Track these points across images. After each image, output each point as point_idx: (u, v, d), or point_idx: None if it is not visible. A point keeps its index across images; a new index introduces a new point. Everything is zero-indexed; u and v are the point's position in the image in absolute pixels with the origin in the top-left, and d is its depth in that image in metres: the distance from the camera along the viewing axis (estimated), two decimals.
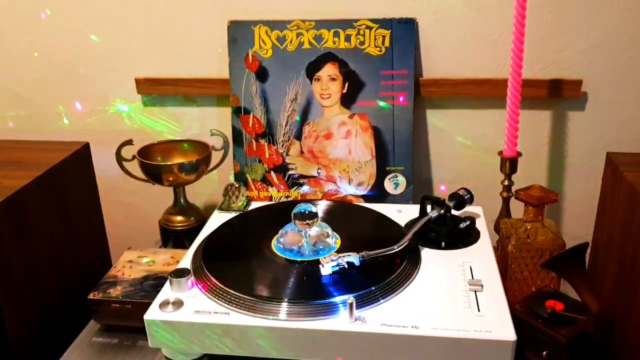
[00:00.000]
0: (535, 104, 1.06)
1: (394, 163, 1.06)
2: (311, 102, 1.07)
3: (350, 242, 0.80)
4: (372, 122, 1.06)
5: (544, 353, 0.75)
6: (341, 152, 1.07)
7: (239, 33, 1.06)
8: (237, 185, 0.97)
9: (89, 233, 1.07)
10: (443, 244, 0.82)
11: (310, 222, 0.78)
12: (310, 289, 0.72)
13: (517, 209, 0.96)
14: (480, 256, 0.80)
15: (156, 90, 1.14)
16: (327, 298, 0.69)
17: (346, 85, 1.05)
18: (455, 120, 1.10)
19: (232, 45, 1.07)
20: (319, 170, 1.09)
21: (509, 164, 1.00)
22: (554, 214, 1.14)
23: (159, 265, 0.93)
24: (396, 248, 0.76)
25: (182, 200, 1.11)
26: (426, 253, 0.80)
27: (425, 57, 1.06)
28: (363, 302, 0.68)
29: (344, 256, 0.73)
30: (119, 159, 1.06)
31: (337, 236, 0.81)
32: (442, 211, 0.84)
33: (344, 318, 0.67)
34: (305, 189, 1.09)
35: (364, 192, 1.08)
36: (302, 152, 1.09)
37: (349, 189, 1.08)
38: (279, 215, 0.84)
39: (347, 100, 1.06)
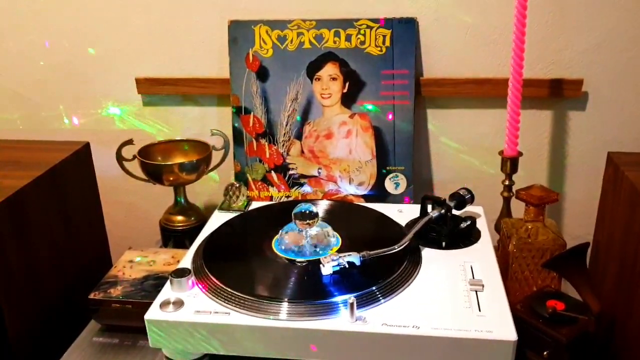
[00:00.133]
0: (536, 104, 1.06)
1: (395, 163, 1.06)
2: (312, 101, 1.07)
3: (351, 242, 0.80)
4: (373, 121, 1.06)
5: (545, 353, 0.75)
6: (342, 152, 1.07)
7: (240, 33, 1.06)
8: (237, 185, 0.97)
9: (90, 233, 1.07)
10: (444, 243, 0.82)
11: (310, 222, 0.78)
12: (311, 289, 0.72)
13: (518, 208, 0.96)
14: (481, 256, 0.80)
15: (156, 90, 1.14)
16: (328, 298, 0.69)
17: (347, 85, 1.05)
18: (456, 120, 1.10)
19: (233, 45, 1.07)
20: (319, 170, 1.09)
21: (510, 164, 0.99)
22: (555, 213, 1.14)
23: (159, 265, 0.93)
24: (397, 248, 0.76)
25: (182, 200, 1.10)
26: (427, 253, 0.80)
27: (425, 57, 1.06)
28: (364, 302, 0.68)
29: (344, 256, 0.73)
30: (120, 158, 1.06)
31: (338, 236, 0.81)
32: (443, 211, 0.83)
33: (345, 318, 0.67)
34: (306, 188, 1.09)
35: (365, 192, 1.08)
36: (302, 151, 1.08)
37: (350, 189, 1.08)
38: (280, 215, 0.84)
39: (347, 100, 1.06)
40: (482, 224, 0.88)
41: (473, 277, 0.74)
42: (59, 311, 0.95)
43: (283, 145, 1.09)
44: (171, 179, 1.05)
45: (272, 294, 0.70)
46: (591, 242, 1.04)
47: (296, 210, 0.78)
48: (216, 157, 1.10)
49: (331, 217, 0.87)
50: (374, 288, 0.70)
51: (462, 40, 1.04)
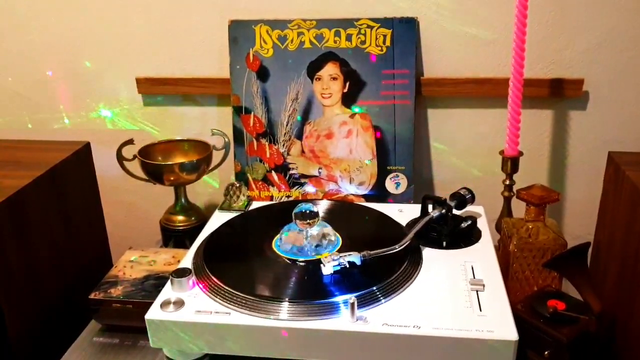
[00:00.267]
0: (537, 104, 1.06)
1: (395, 162, 1.06)
2: (312, 101, 1.06)
3: (352, 242, 0.80)
4: (373, 121, 1.06)
5: (546, 353, 0.74)
6: (342, 152, 1.07)
7: (240, 32, 1.06)
8: (238, 185, 0.97)
9: (90, 233, 1.07)
10: (444, 243, 0.82)
11: (311, 221, 0.78)
12: (311, 289, 0.72)
13: (519, 208, 0.96)
14: (482, 256, 0.80)
15: (157, 90, 1.14)
16: (329, 298, 0.69)
17: (347, 84, 1.05)
18: (457, 120, 1.10)
19: (233, 45, 1.06)
20: (320, 170, 1.09)
21: (511, 164, 0.99)
22: (556, 213, 1.13)
23: (160, 265, 0.93)
24: (397, 248, 0.76)
25: (183, 200, 1.10)
26: (427, 253, 0.80)
27: (426, 57, 1.06)
28: (364, 301, 0.68)
29: (345, 256, 0.73)
30: (120, 158, 1.06)
31: (338, 236, 0.81)
32: (444, 211, 0.83)
33: (346, 318, 0.66)
34: (307, 188, 1.09)
35: (365, 192, 1.08)
36: (303, 151, 1.08)
37: (350, 189, 1.08)
38: (280, 215, 0.84)
39: (348, 100, 1.06)
40: (482, 224, 0.87)
41: (474, 277, 0.74)
42: (59, 311, 0.95)
43: (283, 145, 1.08)
44: (172, 178, 1.05)
45: (272, 293, 0.70)
46: (592, 242, 1.04)
47: (297, 210, 0.78)
48: (217, 157, 1.10)
49: (332, 217, 0.87)
50: (374, 288, 0.70)
51: (463, 40, 1.04)
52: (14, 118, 1.21)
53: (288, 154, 1.09)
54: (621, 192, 0.91)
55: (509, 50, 0.95)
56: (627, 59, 1.02)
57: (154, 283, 0.87)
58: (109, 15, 1.11)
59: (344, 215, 0.91)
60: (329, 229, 0.80)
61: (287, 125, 1.08)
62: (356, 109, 1.05)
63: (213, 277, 0.74)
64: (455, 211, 0.86)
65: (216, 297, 0.71)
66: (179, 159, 1.08)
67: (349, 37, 1.04)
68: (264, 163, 1.09)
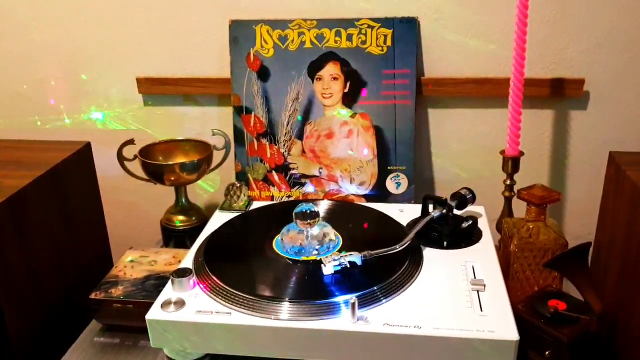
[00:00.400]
0: (537, 103, 1.06)
1: (396, 162, 1.06)
2: (313, 101, 1.06)
3: (352, 242, 0.80)
4: (374, 121, 1.05)
5: (547, 353, 0.74)
6: (342, 152, 1.07)
7: (240, 32, 1.06)
8: (238, 185, 0.97)
9: (90, 233, 1.07)
10: (445, 243, 0.82)
11: (311, 221, 0.78)
12: (312, 289, 0.72)
13: (519, 208, 0.96)
14: (483, 256, 0.79)
15: (157, 90, 1.14)
16: (329, 298, 0.69)
17: (348, 84, 1.05)
18: (457, 120, 1.10)
19: (234, 45, 1.06)
20: (320, 170, 1.09)
21: (511, 163, 0.99)
22: (556, 213, 1.13)
23: (160, 265, 0.93)
24: (398, 248, 0.76)
25: (183, 200, 1.10)
26: (428, 253, 0.80)
27: (426, 57, 1.06)
28: (365, 301, 0.68)
29: (345, 256, 0.73)
30: (120, 158, 1.06)
31: (339, 236, 0.81)
32: (444, 211, 0.83)
33: (346, 318, 0.66)
34: (307, 188, 1.09)
35: (366, 192, 1.08)
36: (303, 151, 1.08)
37: (351, 189, 1.08)
38: (281, 214, 0.84)
39: (348, 100, 1.06)
40: (483, 224, 0.87)
41: (474, 277, 0.74)
42: (59, 311, 0.95)
43: (284, 145, 1.08)
44: (172, 178, 1.05)
45: (273, 293, 0.70)
46: (593, 242, 1.03)
47: (297, 210, 0.78)
48: (217, 156, 1.10)
49: (332, 217, 0.87)
50: (375, 288, 0.70)
51: (463, 39, 1.04)
52: (14, 118, 1.21)
53: (288, 154, 1.09)
54: (622, 192, 0.91)
55: (510, 50, 0.95)
56: (628, 58, 1.02)
57: (155, 283, 0.87)
58: (109, 15, 1.11)
59: (344, 215, 0.91)
60: (329, 229, 0.80)
61: (287, 125, 1.08)
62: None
63: (214, 277, 0.74)
64: (456, 211, 0.86)
65: (217, 297, 0.71)
66: (180, 159, 1.08)
67: (349, 37, 1.04)
68: (264, 163, 1.09)
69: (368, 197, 1.07)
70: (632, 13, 0.99)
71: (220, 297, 0.71)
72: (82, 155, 1.02)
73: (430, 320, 0.66)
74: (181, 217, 1.10)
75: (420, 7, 1.03)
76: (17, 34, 1.15)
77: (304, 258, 0.77)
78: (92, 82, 1.17)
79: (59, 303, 0.95)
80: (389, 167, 1.07)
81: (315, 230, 0.79)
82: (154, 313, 0.69)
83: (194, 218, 1.10)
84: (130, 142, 1.07)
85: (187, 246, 1.00)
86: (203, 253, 0.80)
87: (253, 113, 1.08)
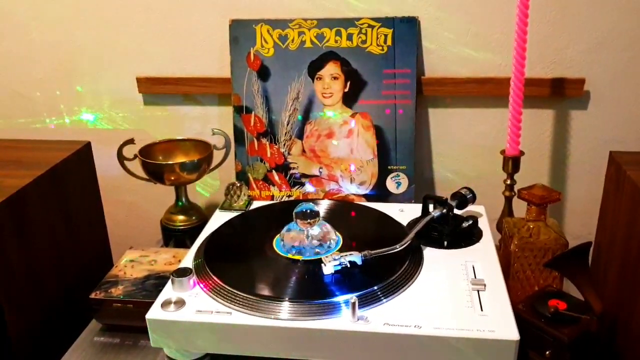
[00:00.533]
0: (538, 103, 1.06)
1: (396, 162, 1.06)
2: (313, 101, 1.06)
3: (352, 242, 0.80)
4: (374, 121, 1.05)
5: (547, 353, 0.74)
6: (343, 151, 1.07)
7: (241, 32, 1.06)
8: (238, 185, 0.97)
9: (90, 232, 1.07)
10: (445, 243, 0.82)
11: (312, 221, 0.78)
12: (312, 289, 0.71)
13: (520, 208, 0.96)
14: (483, 255, 0.79)
15: (157, 90, 1.14)
16: (330, 297, 0.68)
17: (348, 84, 1.05)
18: (457, 119, 1.10)
19: (234, 44, 1.06)
20: (320, 170, 1.08)
21: (512, 163, 0.99)
22: (557, 213, 1.13)
23: (160, 264, 0.92)
24: (398, 247, 0.75)
25: (183, 200, 1.10)
26: (428, 252, 0.80)
27: (427, 56, 1.06)
28: (365, 301, 0.68)
29: (346, 255, 0.73)
30: (120, 158, 1.06)
31: (339, 235, 0.81)
32: (445, 210, 0.83)
33: (347, 318, 0.66)
34: (307, 188, 1.09)
35: (366, 192, 1.08)
36: (303, 151, 1.08)
37: (351, 188, 1.08)
38: (281, 214, 0.84)
39: (349, 99, 1.06)
40: (483, 224, 0.87)
41: (475, 277, 0.74)
42: (59, 311, 0.95)
43: (284, 144, 1.08)
44: (172, 178, 1.05)
45: (273, 293, 0.70)
46: (593, 242, 1.03)
47: (297, 209, 0.78)
48: (217, 156, 1.10)
49: (332, 217, 0.87)
50: (375, 288, 0.70)
51: (464, 39, 1.04)
52: (14, 118, 1.21)
53: (289, 154, 1.09)
54: (622, 191, 0.91)
55: (510, 50, 0.95)
56: (628, 58, 1.02)
57: (155, 283, 0.87)
58: (109, 15, 1.11)
59: (344, 215, 0.91)
60: (329, 229, 0.80)
61: (287, 124, 1.08)
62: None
63: (214, 277, 0.73)
64: (456, 211, 0.86)
65: (217, 296, 0.71)
66: (180, 159, 1.08)
67: (349, 37, 1.03)
68: (264, 163, 1.09)
69: (368, 197, 1.07)
70: (632, 13, 0.99)
71: (220, 296, 0.71)
72: (82, 155, 1.02)
73: (430, 320, 0.66)
74: (181, 217, 1.09)
75: (421, 7, 1.03)
76: (17, 34, 1.15)
77: (304, 258, 0.77)
78: (93, 82, 1.16)
79: (59, 303, 0.95)
80: (389, 167, 1.06)
81: (315, 230, 0.79)
82: (154, 313, 0.69)
83: (194, 218, 1.10)
84: (130, 141, 1.07)
85: (187, 246, 1.00)
86: (203, 253, 0.80)
87: (253, 113, 1.08)
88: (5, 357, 0.83)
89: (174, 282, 0.73)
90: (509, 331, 0.64)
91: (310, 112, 1.07)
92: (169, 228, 1.10)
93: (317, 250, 0.78)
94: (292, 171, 1.09)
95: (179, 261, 0.89)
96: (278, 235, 0.81)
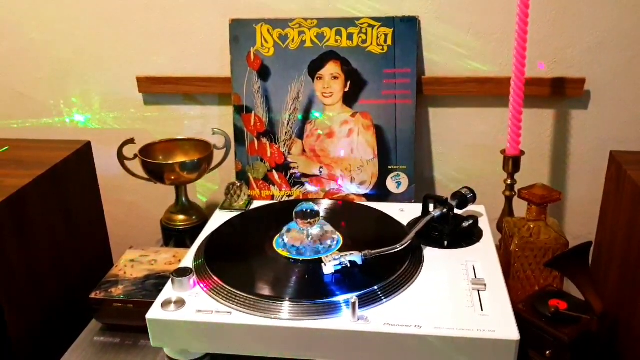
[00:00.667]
0: (538, 103, 1.06)
1: (396, 162, 1.06)
2: (313, 100, 1.06)
3: (353, 241, 0.80)
4: (374, 120, 1.05)
5: (548, 352, 0.74)
6: (343, 151, 1.07)
7: (241, 31, 1.06)
8: (238, 185, 0.97)
9: (91, 232, 1.07)
10: (446, 243, 0.82)
11: (312, 221, 0.78)
12: (312, 288, 0.71)
13: (520, 207, 0.96)
14: (483, 255, 0.79)
15: (157, 89, 1.14)
16: (330, 297, 0.68)
17: (348, 83, 1.05)
18: (458, 119, 1.09)
19: (234, 44, 1.06)
20: (320, 169, 1.08)
21: (512, 163, 0.99)
22: (557, 213, 1.13)
23: (160, 264, 0.92)
24: (398, 247, 0.75)
25: (183, 199, 1.10)
26: (429, 252, 0.80)
27: (427, 56, 1.06)
28: (366, 301, 0.68)
29: (346, 255, 0.73)
30: (121, 157, 1.06)
31: (339, 235, 0.81)
32: (445, 210, 0.83)
33: (347, 317, 0.66)
34: (307, 188, 1.09)
35: (366, 191, 1.08)
36: (304, 151, 1.08)
37: (351, 188, 1.08)
38: (281, 214, 0.84)
39: (349, 99, 1.05)
40: (484, 223, 0.87)
41: (475, 277, 0.74)
42: (59, 310, 0.95)
43: (284, 144, 1.08)
44: (172, 178, 1.05)
45: (273, 293, 0.70)
46: (593, 242, 1.03)
47: (297, 209, 0.78)
48: (217, 156, 1.10)
49: (333, 217, 0.87)
50: (375, 287, 0.70)
51: (464, 39, 1.04)
52: (14, 118, 1.21)
53: (289, 153, 1.09)
54: (623, 191, 0.91)
55: (511, 50, 0.95)
56: (629, 58, 1.01)
57: (155, 282, 0.87)
58: (109, 15, 1.11)
59: (345, 214, 0.91)
60: (330, 228, 0.80)
61: (288, 124, 1.07)
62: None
63: (214, 277, 0.73)
64: (456, 211, 0.86)
65: (217, 296, 0.71)
66: (180, 158, 1.08)
67: (350, 36, 1.03)
68: (264, 162, 1.09)
69: (368, 197, 1.07)
70: (633, 12, 0.99)
71: (220, 296, 0.71)
72: (82, 155, 1.02)
73: (430, 320, 0.66)
74: (181, 217, 1.09)
75: (421, 6, 1.03)
76: (17, 34, 1.14)
77: (304, 257, 0.77)
78: (93, 82, 1.16)
79: (59, 303, 0.95)
80: (389, 167, 1.06)
81: (315, 230, 0.79)
82: (154, 312, 0.69)
83: (194, 217, 1.10)
84: (131, 141, 1.07)
85: (188, 246, 1.00)
86: (203, 252, 0.80)
87: (253, 112, 1.08)
88: (5, 357, 0.83)
89: (174, 282, 0.73)
90: (510, 331, 0.64)
91: (311, 112, 1.07)
92: (169, 228, 1.10)
93: (317, 250, 0.78)
94: (292, 171, 1.09)
95: (179, 261, 0.89)
96: (278, 235, 0.81)
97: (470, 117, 1.09)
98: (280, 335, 0.67)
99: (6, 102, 1.20)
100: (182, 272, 0.73)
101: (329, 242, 0.79)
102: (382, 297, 0.69)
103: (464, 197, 0.87)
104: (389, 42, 1.03)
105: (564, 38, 1.02)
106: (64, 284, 0.96)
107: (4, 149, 0.98)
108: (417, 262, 0.77)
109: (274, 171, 1.09)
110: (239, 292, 0.70)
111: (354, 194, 1.08)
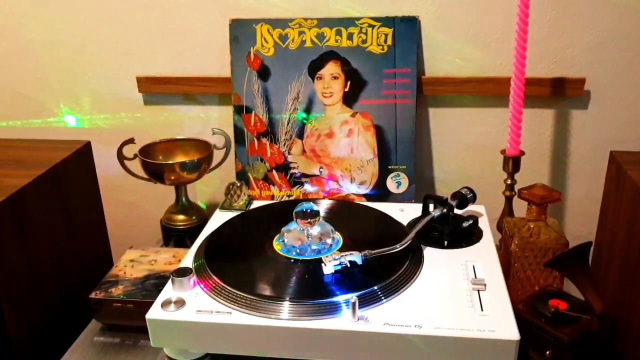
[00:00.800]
0: (538, 103, 1.06)
1: (396, 162, 1.06)
2: (313, 100, 1.06)
3: (353, 241, 0.80)
4: (374, 120, 1.05)
5: (548, 352, 0.74)
6: (343, 151, 1.07)
7: (241, 31, 1.06)
8: (238, 185, 0.97)
9: (90, 232, 1.07)
10: (446, 243, 0.82)
11: (312, 221, 0.78)
12: (312, 288, 0.71)
13: (520, 208, 0.96)
14: (483, 255, 0.79)
15: (157, 89, 1.14)
16: (330, 297, 0.68)
17: (348, 83, 1.05)
18: (458, 119, 1.09)
19: (234, 44, 1.06)
20: (320, 169, 1.08)
21: (512, 163, 0.99)
22: (557, 213, 1.13)
23: (160, 264, 0.92)
24: (398, 247, 0.75)
25: (183, 199, 1.10)
26: (429, 252, 0.80)
27: (427, 56, 1.05)
28: (366, 301, 0.68)
29: (346, 255, 0.73)
30: (121, 157, 1.06)
31: (339, 235, 0.81)
32: (445, 210, 0.83)
33: (347, 317, 0.66)
34: (307, 188, 1.09)
35: (366, 191, 1.08)
36: (304, 151, 1.08)
37: (351, 188, 1.08)
38: (281, 214, 0.84)
39: (349, 99, 1.05)
40: (484, 223, 0.87)
41: (475, 277, 0.74)
42: (59, 310, 0.95)
43: (284, 144, 1.08)
44: (172, 178, 1.05)
45: (273, 293, 0.70)
46: (593, 242, 1.03)
47: (297, 209, 0.78)
48: (217, 156, 1.10)
49: (333, 217, 0.87)
50: (375, 287, 0.70)
51: (464, 38, 1.04)
52: (14, 118, 1.21)
53: (289, 153, 1.09)
54: (623, 191, 0.91)
55: (511, 49, 0.95)
56: (629, 58, 1.01)
57: (155, 282, 0.87)
58: (109, 15, 1.11)
59: (345, 214, 0.91)
60: (330, 229, 0.80)
61: (288, 124, 1.07)
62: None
63: (214, 277, 0.73)
64: (456, 210, 0.86)
65: (217, 296, 0.71)
66: (180, 158, 1.08)
67: (350, 36, 1.03)
68: (264, 162, 1.09)
69: (368, 197, 1.07)
70: (633, 12, 0.99)
71: (220, 296, 0.71)
72: (82, 155, 1.02)
73: (430, 320, 0.66)
74: (181, 217, 1.09)
75: (421, 6, 1.03)
76: (17, 34, 1.14)
77: (304, 257, 0.77)
78: (92, 82, 1.16)
79: (59, 302, 0.95)
80: (389, 167, 1.06)
81: (315, 230, 0.79)
82: (154, 312, 0.69)
83: (194, 217, 1.10)
84: (130, 141, 1.07)
85: (187, 245, 1.00)
86: (203, 252, 0.80)
87: (253, 112, 1.08)
88: (5, 357, 0.83)
89: (174, 281, 0.73)
90: (509, 331, 0.64)
91: (311, 112, 1.07)
92: (169, 228, 1.09)
93: (317, 250, 0.78)
94: (292, 171, 1.09)
95: (179, 261, 0.89)
96: (278, 235, 0.81)
97: (470, 117, 1.09)
98: (280, 335, 0.67)
99: (6, 102, 1.20)
100: (182, 272, 0.73)
101: (329, 242, 0.79)
102: (382, 297, 0.69)
103: (464, 197, 0.87)
104: (389, 42, 1.03)
105: (564, 38, 1.02)
106: (64, 284, 0.96)
107: None
108: (417, 262, 0.77)
109: (274, 171, 1.09)
110: (239, 292, 0.70)
111: (354, 194, 1.08)
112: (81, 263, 1.02)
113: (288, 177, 1.09)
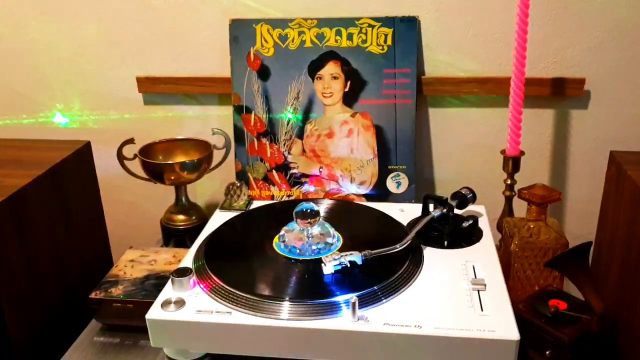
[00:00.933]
0: (538, 103, 1.06)
1: (396, 162, 1.06)
2: (313, 100, 1.06)
3: (353, 241, 0.80)
4: (374, 120, 1.05)
5: (548, 352, 0.74)
6: (343, 151, 1.07)
7: (241, 31, 1.06)
8: (238, 185, 0.97)
9: (90, 232, 1.07)
10: (446, 243, 0.82)
11: (312, 221, 0.78)
12: (312, 288, 0.71)
13: (520, 207, 0.96)
14: (483, 255, 0.79)
15: (157, 89, 1.14)
16: (330, 297, 0.68)
17: (348, 83, 1.05)
18: (458, 119, 1.09)
19: (234, 44, 1.06)
20: (320, 169, 1.08)
21: (512, 163, 0.99)
22: (557, 212, 1.13)
23: (160, 264, 0.92)
24: (398, 247, 0.75)
25: (183, 199, 1.10)
26: (429, 252, 0.80)
27: (427, 56, 1.06)
28: (366, 301, 0.68)
29: (346, 255, 0.73)
30: (120, 157, 1.06)
31: (339, 235, 0.81)
32: (445, 210, 0.83)
33: (347, 317, 0.66)
34: (307, 188, 1.09)
35: (366, 191, 1.08)
36: (304, 151, 1.08)
37: (351, 188, 1.08)
38: (281, 214, 0.84)
39: (349, 99, 1.05)
40: (484, 223, 0.87)
41: (475, 277, 0.74)
42: (59, 310, 0.95)
43: (284, 144, 1.08)
44: (172, 178, 1.05)
45: (273, 293, 0.70)
46: (593, 242, 1.03)
47: (297, 209, 0.78)
48: (217, 156, 1.10)
49: (332, 217, 0.87)
50: (375, 287, 0.70)
51: (464, 38, 1.04)
52: (14, 118, 1.21)
53: (289, 153, 1.09)
54: (623, 191, 0.91)
55: (511, 49, 0.95)
56: (629, 58, 1.01)
57: (155, 282, 0.87)
58: (109, 15, 1.11)
59: (345, 214, 0.91)
60: (330, 229, 0.80)
61: (288, 124, 1.07)
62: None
63: (214, 277, 0.73)
64: (456, 211, 0.86)
65: (217, 296, 0.71)
66: (180, 158, 1.08)
67: (350, 36, 1.03)
68: (264, 162, 1.09)
69: (368, 197, 1.07)
70: (633, 12, 0.99)
71: (220, 296, 0.71)
72: (82, 155, 1.02)
73: (430, 320, 0.66)
74: (181, 217, 1.09)
75: (421, 6, 1.03)
76: (17, 33, 1.14)
77: (304, 257, 0.77)
78: (92, 82, 1.16)
79: (59, 302, 0.95)
80: (389, 167, 1.06)
81: (315, 230, 0.79)
82: (154, 313, 0.69)
83: (194, 217, 1.10)
84: (130, 141, 1.07)
85: (187, 246, 1.00)
86: (203, 252, 0.80)
87: (253, 112, 1.08)
88: (5, 357, 0.83)
89: (174, 282, 0.73)
90: (509, 331, 0.64)
91: (311, 112, 1.07)
92: (169, 228, 1.10)
93: (317, 250, 0.78)
94: (292, 171, 1.09)
95: (179, 261, 0.89)
96: (278, 235, 0.81)
97: (470, 117, 1.09)
98: (280, 335, 0.67)
99: (6, 102, 1.20)
100: (182, 272, 0.73)
101: (329, 242, 0.79)
102: (382, 297, 0.69)
103: (464, 197, 0.87)
104: (389, 42, 1.03)
105: (564, 38, 1.02)
106: (64, 284, 0.96)
107: None
108: (417, 262, 0.77)
109: (273, 171, 1.09)
110: (239, 292, 0.70)
111: (354, 194, 1.08)
112: (81, 263, 1.02)
113: (288, 177, 1.09)
